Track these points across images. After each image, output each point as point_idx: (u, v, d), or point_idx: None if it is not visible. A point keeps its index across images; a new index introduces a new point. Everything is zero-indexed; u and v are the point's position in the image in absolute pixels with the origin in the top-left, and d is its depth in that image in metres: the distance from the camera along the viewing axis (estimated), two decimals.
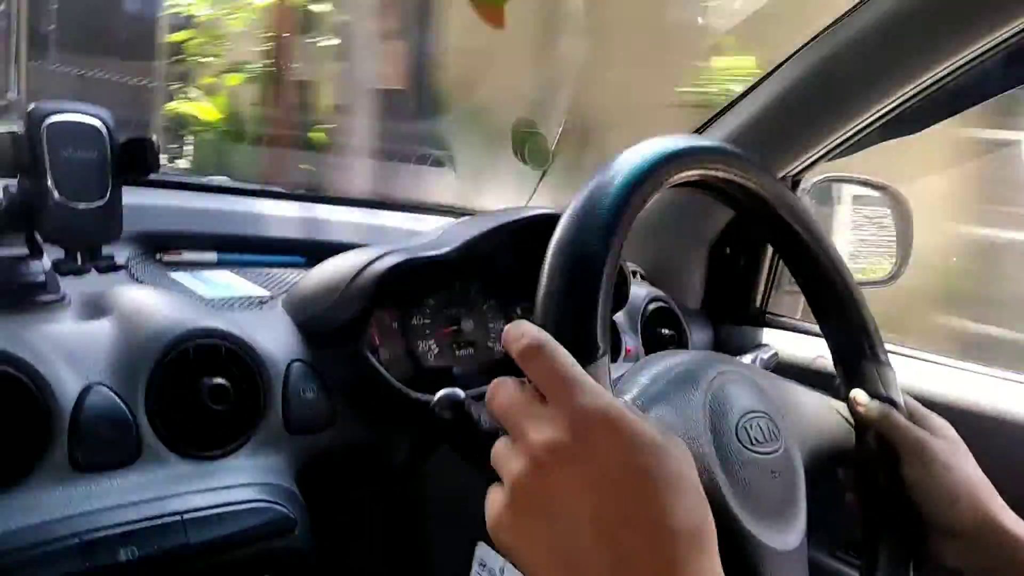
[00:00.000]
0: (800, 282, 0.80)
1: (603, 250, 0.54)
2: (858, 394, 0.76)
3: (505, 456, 0.49)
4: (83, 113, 0.76)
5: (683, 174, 0.64)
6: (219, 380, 0.75)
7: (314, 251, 1.13)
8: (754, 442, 0.64)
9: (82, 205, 0.74)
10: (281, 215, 1.21)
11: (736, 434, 0.63)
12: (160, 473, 0.72)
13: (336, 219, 1.25)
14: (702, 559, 0.47)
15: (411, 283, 0.90)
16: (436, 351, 0.98)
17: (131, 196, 1.04)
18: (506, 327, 0.52)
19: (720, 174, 0.68)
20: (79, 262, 0.76)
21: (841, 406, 0.76)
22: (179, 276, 1.01)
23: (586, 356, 0.52)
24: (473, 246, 0.92)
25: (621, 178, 0.58)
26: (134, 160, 0.78)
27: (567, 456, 0.46)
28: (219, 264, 1.08)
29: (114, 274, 0.83)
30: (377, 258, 0.86)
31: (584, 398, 0.48)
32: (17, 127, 0.73)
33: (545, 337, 0.50)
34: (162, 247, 1.04)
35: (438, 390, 0.85)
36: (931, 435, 0.72)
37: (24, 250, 0.81)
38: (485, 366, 1.01)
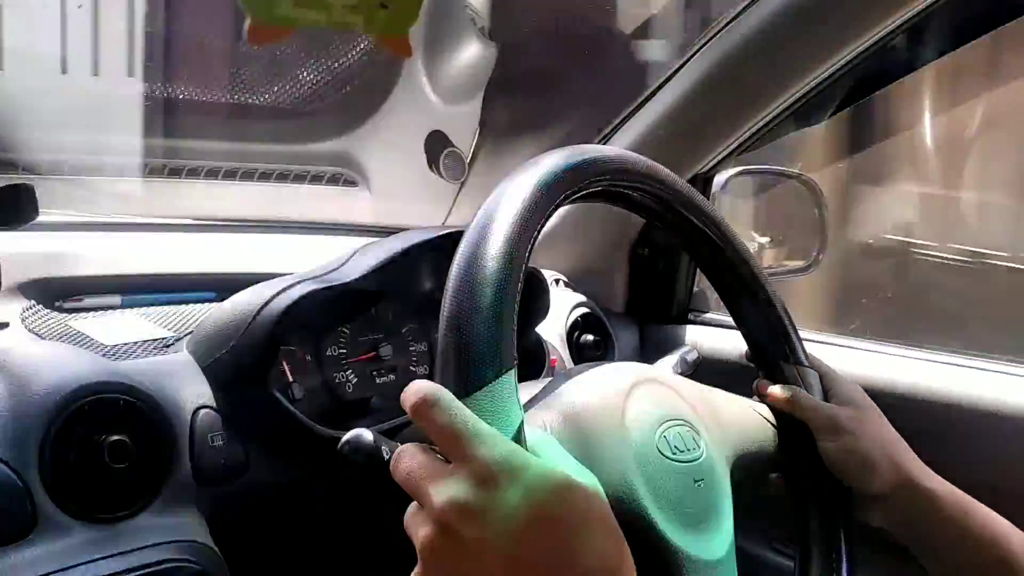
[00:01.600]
0: (713, 283, 0.80)
1: (500, 269, 0.53)
2: (764, 383, 0.77)
3: (414, 524, 0.47)
4: None
5: (580, 189, 0.63)
6: (117, 437, 0.71)
7: (225, 285, 1.09)
8: (675, 451, 0.63)
9: None
10: (189, 249, 1.17)
11: (656, 444, 0.62)
12: (61, 543, 0.68)
13: (247, 249, 1.21)
14: None
15: (320, 313, 0.87)
16: (355, 381, 0.95)
17: (22, 242, 0.99)
18: (405, 388, 0.50)
19: (621, 183, 0.68)
20: None
21: (764, 408, 0.77)
22: (80, 324, 0.96)
23: (492, 371, 0.51)
24: (384, 269, 0.90)
25: (515, 203, 0.57)
26: (9, 209, 0.74)
27: (470, 515, 0.45)
28: (123, 307, 1.04)
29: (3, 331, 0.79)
30: (281, 291, 0.83)
31: (481, 450, 0.46)
32: None
33: (437, 392, 0.48)
34: (61, 294, 0.99)
35: (358, 423, 0.83)
36: (840, 408, 0.75)
37: None
38: None
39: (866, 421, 0.74)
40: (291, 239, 1.31)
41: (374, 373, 0.97)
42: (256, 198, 1.35)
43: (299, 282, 0.84)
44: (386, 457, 0.52)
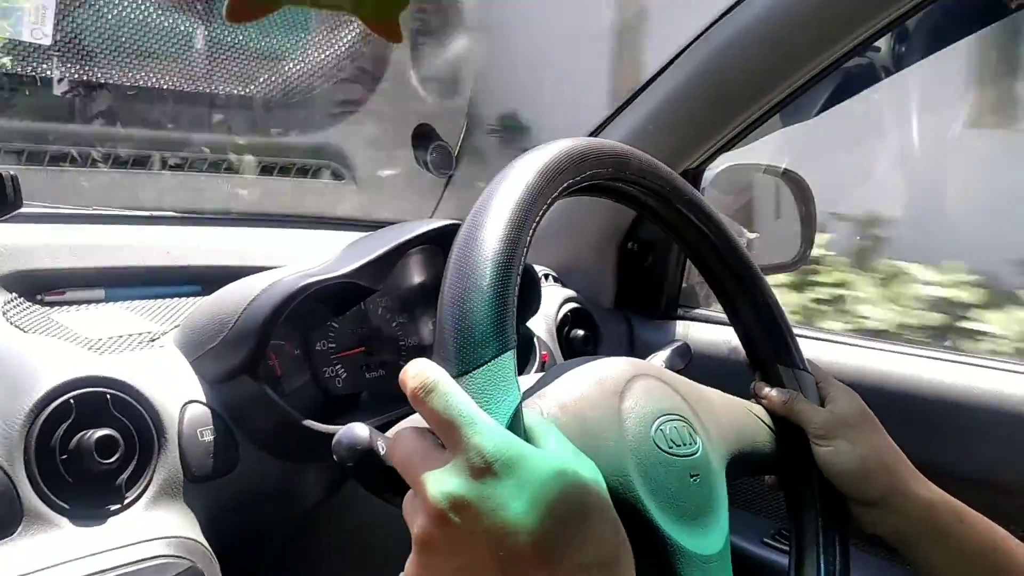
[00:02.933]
0: (710, 282, 0.80)
1: (502, 251, 0.53)
2: (760, 386, 0.77)
3: (411, 511, 0.47)
4: None
5: (582, 180, 0.62)
6: (105, 432, 0.70)
7: (211, 278, 1.07)
8: (671, 445, 0.63)
9: None
10: (172, 242, 1.15)
11: (652, 437, 0.62)
12: (48, 539, 0.66)
13: (233, 242, 1.19)
14: None
15: (310, 307, 0.86)
16: (344, 376, 0.94)
17: (1, 234, 0.97)
18: (405, 367, 0.50)
19: (622, 176, 0.67)
20: None
21: (759, 410, 0.76)
22: (63, 317, 0.94)
23: (491, 351, 0.50)
24: (375, 263, 0.89)
25: (518, 188, 0.56)
26: None
27: (465, 507, 0.44)
28: (107, 300, 1.02)
29: None
30: (271, 285, 0.82)
31: (476, 439, 0.46)
32: None
33: (436, 376, 0.48)
34: (43, 287, 0.97)
35: (348, 419, 0.82)
36: (836, 414, 0.75)
37: None
38: (398, 388, 0.98)
39: (862, 427, 0.74)
40: (276, 233, 1.30)
41: (364, 368, 0.96)
42: (241, 191, 1.33)
43: (290, 276, 0.83)
44: (381, 452, 0.51)
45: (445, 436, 0.47)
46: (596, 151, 0.63)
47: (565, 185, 0.60)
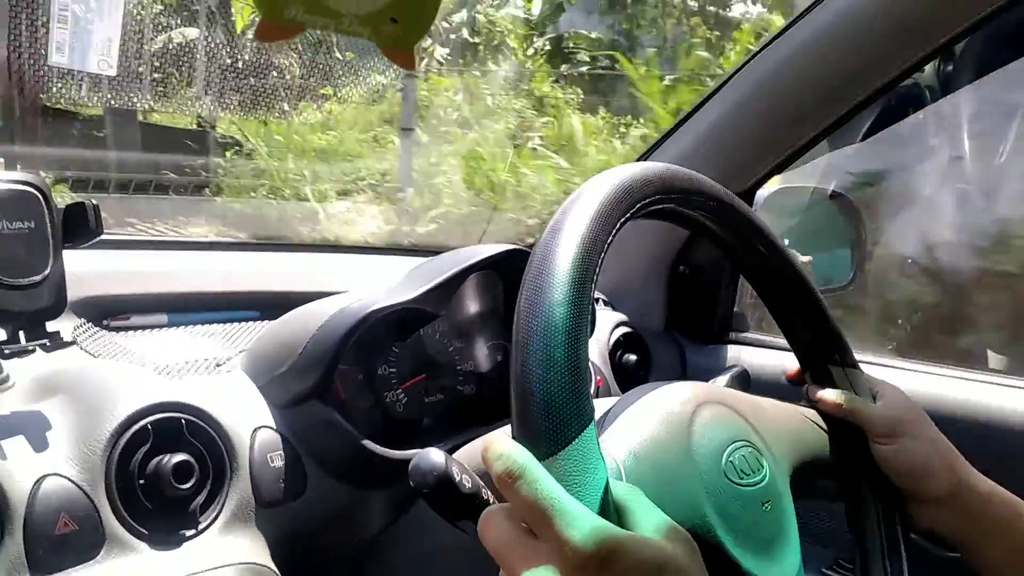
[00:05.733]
0: (762, 295, 0.80)
1: (570, 316, 0.51)
2: (814, 389, 0.76)
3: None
4: (15, 182, 0.71)
5: (644, 208, 0.62)
6: (182, 457, 0.70)
7: (269, 304, 1.09)
8: (741, 475, 0.62)
9: (23, 280, 0.70)
10: (231, 268, 1.16)
11: (724, 471, 0.62)
12: (128, 564, 0.67)
13: (289, 267, 1.21)
14: None
15: (373, 333, 0.87)
16: (404, 401, 0.94)
17: (71, 261, 0.99)
18: (486, 442, 0.49)
19: (682, 199, 0.67)
20: (22, 342, 0.71)
21: (813, 414, 0.76)
22: (130, 343, 0.96)
23: (574, 428, 0.49)
24: (439, 289, 0.89)
25: (576, 236, 0.56)
26: (76, 227, 0.74)
27: None
28: (169, 325, 1.04)
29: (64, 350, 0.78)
30: (339, 311, 0.83)
31: (570, 531, 0.45)
32: None
33: (522, 461, 0.47)
34: (109, 312, 0.99)
35: (409, 443, 0.82)
36: (894, 410, 0.74)
37: None
38: (456, 412, 0.98)
39: (919, 423, 0.73)
40: (330, 258, 1.31)
41: (423, 393, 0.97)
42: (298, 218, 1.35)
43: (356, 302, 0.84)
44: (456, 479, 0.51)
45: (538, 526, 0.46)
46: (659, 176, 0.63)
47: (627, 216, 0.60)
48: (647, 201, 0.62)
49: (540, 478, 0.47)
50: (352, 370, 0.90)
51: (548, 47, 8.21)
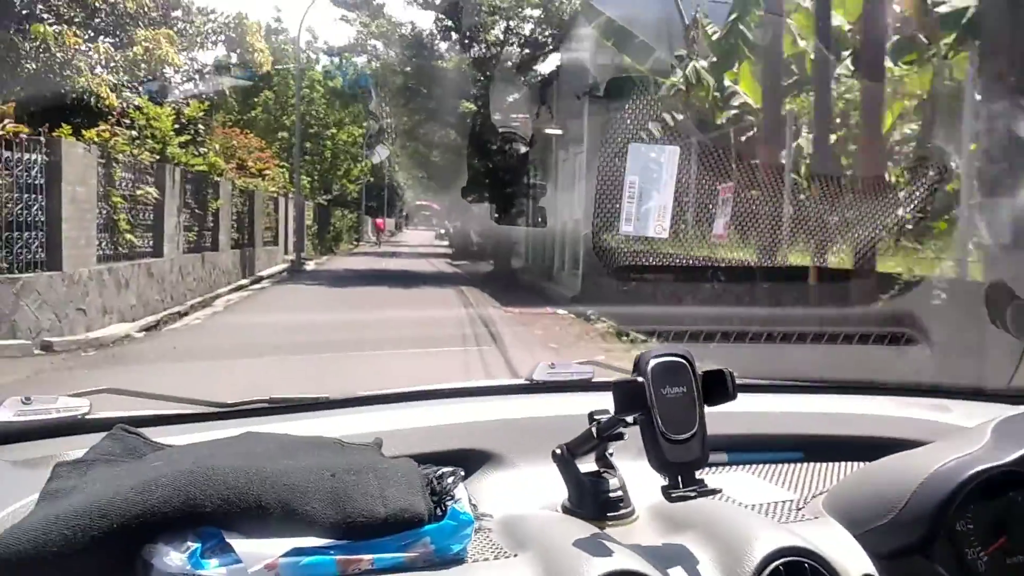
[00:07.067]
0: None
1: None
2: None
3: None
4: (671, 354, 0.88)
5: None
6: None
7: (812, 445, 1.17)
8: None
9: (680, 436, 0.86)
10: (771, 408, 1.27)
11: None
12: None
13: (827, 409, 1.28)
14: None
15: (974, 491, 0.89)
16: (986, 560, 0.94)
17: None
18: None
19: None
20: (680, 486, 0.86)
21: None
22: (708, 479, 1.09)
23: None
24: None
25: None
26: (715, 390, 0.89)
27: None
28: (729, 463, 1.16)
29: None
30: (940, 467, 0.87)
31: None
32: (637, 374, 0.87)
33: None
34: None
35: None
36: None
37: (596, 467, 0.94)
38: None
39: None
40: (865, 401, 1.35)
41: (1003, 554, 0.95)
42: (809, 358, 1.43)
43: (952, 459, 0.88)
44: None
45: None
46: None
47: None
48: None
49: None
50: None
51: None
